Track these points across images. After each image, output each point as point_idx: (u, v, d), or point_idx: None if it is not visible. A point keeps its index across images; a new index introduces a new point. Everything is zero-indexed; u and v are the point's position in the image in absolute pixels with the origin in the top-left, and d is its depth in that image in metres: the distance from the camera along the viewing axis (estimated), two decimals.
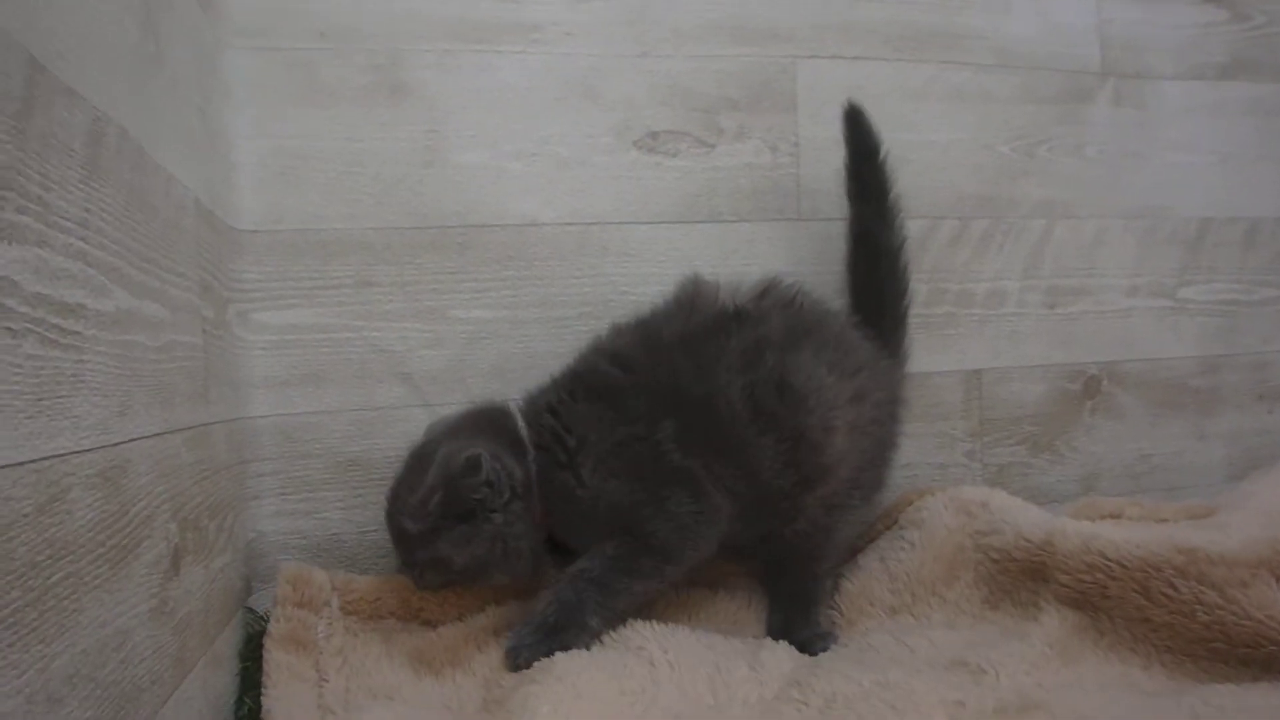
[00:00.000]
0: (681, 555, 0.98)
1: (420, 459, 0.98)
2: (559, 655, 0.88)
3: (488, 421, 1.01)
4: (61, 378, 0.56)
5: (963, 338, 1.33)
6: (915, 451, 1.30)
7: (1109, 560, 0.96)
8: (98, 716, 0.57)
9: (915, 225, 1.28)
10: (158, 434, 0.74)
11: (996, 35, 1.33)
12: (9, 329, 0.50)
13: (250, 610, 1.01)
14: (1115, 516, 1.27)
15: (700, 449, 0.97)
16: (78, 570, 0.56)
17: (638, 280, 1.19)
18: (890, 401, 1.12)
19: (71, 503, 0.56)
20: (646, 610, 1.02)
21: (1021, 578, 1.04)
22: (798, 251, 1.26)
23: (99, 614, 0.59)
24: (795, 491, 0.99)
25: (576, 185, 1.19)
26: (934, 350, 1.31)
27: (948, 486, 1.18)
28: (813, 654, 0.99)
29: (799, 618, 1.05)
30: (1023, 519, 1.06)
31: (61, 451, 0.55)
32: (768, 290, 1.04)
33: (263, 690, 0.88)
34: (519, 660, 0.90)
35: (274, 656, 0.92)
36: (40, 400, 0.53)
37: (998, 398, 1.34)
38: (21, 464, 0.50)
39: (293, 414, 1.10)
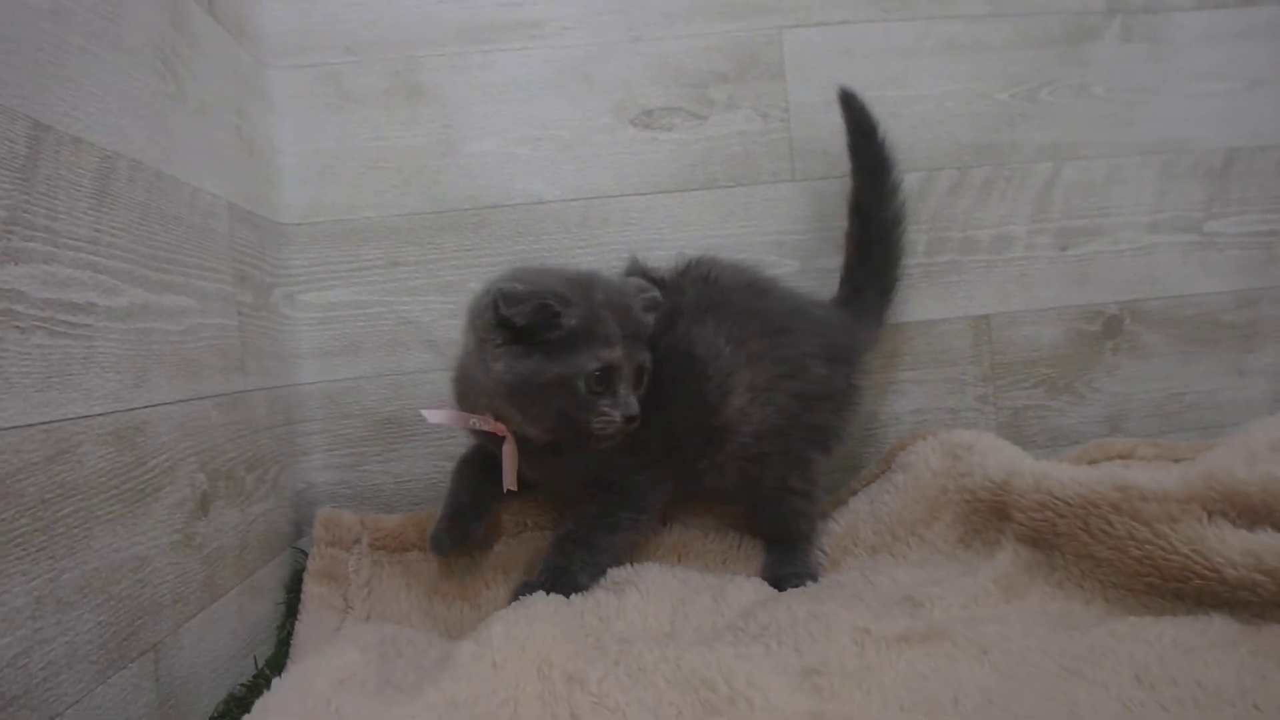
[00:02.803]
0: (653, 504, 1.13)
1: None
2: (539, 593, 1.03)
3: None
4: (71, 360, 0.75)
5: (968, 284, 1.38)
6: (924, 397, 1.37)
7: (1056, 498, 1.00)
8: (111, 621, 0.77)
9: (911, 178, 1.34)
10: (182, 400, 0.93)
11: None
12: (17, 327, 0.68)
13: (299, 550, 1.21)
14: (1126, 457, 1.30)
15: (650, 405, 1.09)
16: (87, 506, 0.75)
17: (638, 247, 1.31)
18: (810, 358, 1.16)
19: (82, 455, 0.75)
20: (641, 551, 1.17)
21: (990, 517, 1.11)
22: (793, 210, 1.34)
23: (111, 541, 0.78)
24: (709, 451, 1.12)
25: (578, 164, 1.32)
26: (938, 298, 1.37)
27: (941, 430, 1.25)
28: (782, 589, 1.10)
29: (784, 557, 1.16)
30: (991, 460, 1.12)
31: (70, 416, 0.74)
32: (690, 267, 1.17)
33: (298, 617, 1.08)
34: None
35: (310, 589, 1.12)
36: (49, 378, 0.71)
37: (1009, 341, 1.38)
38: (31, 425, 0.69)
39: (336, 380, 1.29)
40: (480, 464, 1.16)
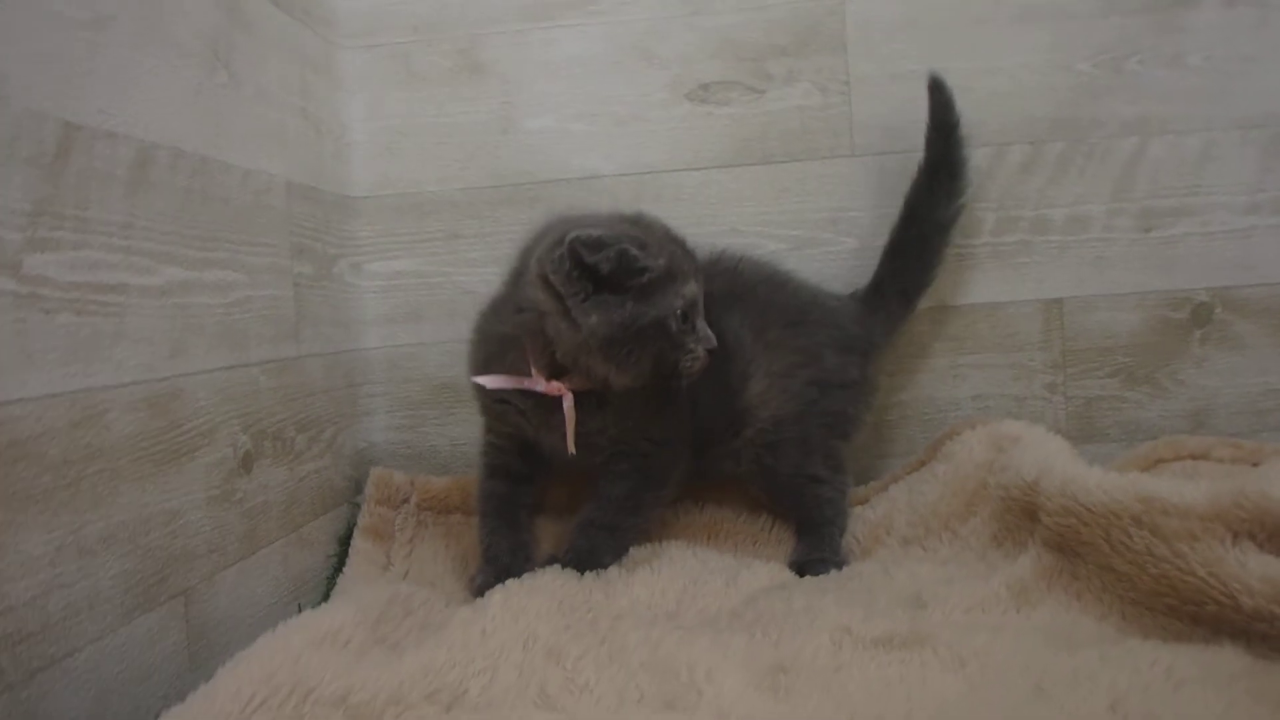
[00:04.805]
0: (675, 481, 1.16)
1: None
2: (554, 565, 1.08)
3: None
4: (100, 335, 0.83)
5: (1039, 265, 1.32)
6: (987, 383, 1.33)
7: (1081, 504, 0.95)
8: (138, 568, 0.86)
9: (980, 154, 1.29)
10: (225, 368, 1.02)
11: None
12: (42, 309, 0.77)
13: (356, 506, 1.30)
14: (1200, 458, 1.23)
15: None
16: (114, 466, 0.84)
17: (691, 222, 1.30)
18: (824, 348, 1.18)
19: (109, 420, 0.84)
20: (672, 530, 1.20)
21: (1021, 517, 1.06)
22: (851, 187, 1.32)
23: (139, 498, 0.87)
24: (728, 437, 1.15)
25: (634, 139, 1.34)
26: (1006, 280, 1.32)
27: (991, 420, 1.21)
28: (802, 576, 1.10)
29: (812, 543, 1.17)
30: (1028, 457, 1.07)
31: (96, 386, 0.83)
32: (720, 258, 1.20)
33: (343, 570, 1.17)
34: None
35: (357, 544, 1.21)
36: (74, 351, 0.80)
37: (1083, 327, 1.32)
38: (54, 395, 0.78)
39: (398, 345, 1.37)
40: (507, 501, 1.17)
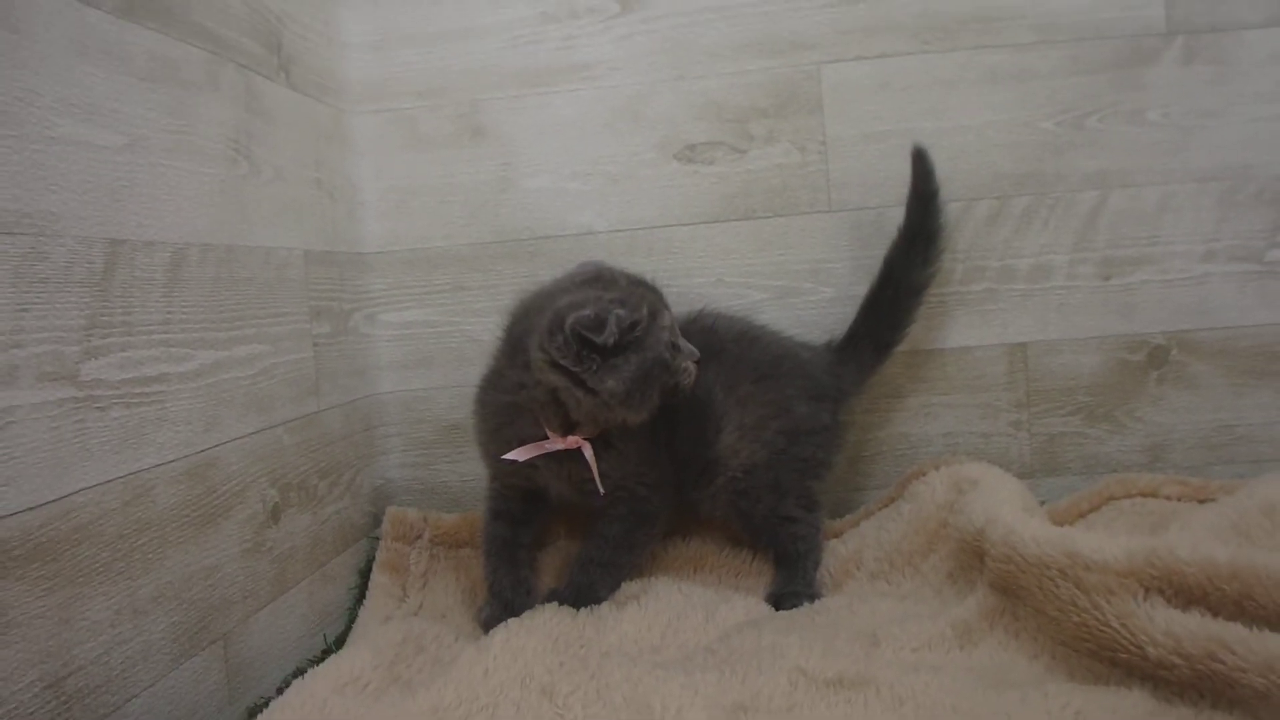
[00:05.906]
0: (662, 520, 1.29)
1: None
2: (553, 602, 1.21)
3: None
4: (146, 422, 0.97)
5: (1004, 312, 1.43)
6: (956, 421, 1.45)
7: (1019, 554, 1.07)
8: (183, 620, 1.01)
9: (948, 208, 1.38)
10: (254, 432, 1.16)
11: (1036, 11, 1.38)
12: (97, 408, 0.91)
13: (374, 539, 1.44)
14: (1150, 495, 1.34)
15: (664, 436, 1.25)
16: (161, 535, 0.98)
17: (680, 274, 1.45)
18: (794, 399, 1.30)
19: (155, 495, 0.98)
20: (660, 562, 1.34)
21: (973, 558, 1.18)
22: (830, 240, 1.44)
23: (182, 559, 1.01)
24: (703, 482, 1.27)
25: (625, 197, 1.46)
26: (973, 325, 1.44)
27: (955, 461, 1.33)
28: (778, 609, 1.23)
29: (788, 577, 1.29)
30: (979, 504, 1.19)
31: (145, 467, 0.97)
32: (698, 317, 1.32)
33: (363, 603, 1.32)
34: None
35: (376, 578, 1.35)
36: (125, 440, 0.94)
37: (1046, 369, 1.43)
38: (109, 481, 0.92)
39: (410, 390, 1.51)
40: (510, 543, 1.29)
